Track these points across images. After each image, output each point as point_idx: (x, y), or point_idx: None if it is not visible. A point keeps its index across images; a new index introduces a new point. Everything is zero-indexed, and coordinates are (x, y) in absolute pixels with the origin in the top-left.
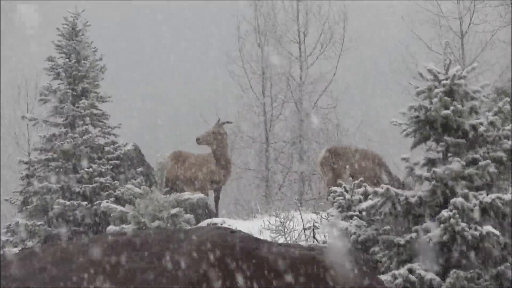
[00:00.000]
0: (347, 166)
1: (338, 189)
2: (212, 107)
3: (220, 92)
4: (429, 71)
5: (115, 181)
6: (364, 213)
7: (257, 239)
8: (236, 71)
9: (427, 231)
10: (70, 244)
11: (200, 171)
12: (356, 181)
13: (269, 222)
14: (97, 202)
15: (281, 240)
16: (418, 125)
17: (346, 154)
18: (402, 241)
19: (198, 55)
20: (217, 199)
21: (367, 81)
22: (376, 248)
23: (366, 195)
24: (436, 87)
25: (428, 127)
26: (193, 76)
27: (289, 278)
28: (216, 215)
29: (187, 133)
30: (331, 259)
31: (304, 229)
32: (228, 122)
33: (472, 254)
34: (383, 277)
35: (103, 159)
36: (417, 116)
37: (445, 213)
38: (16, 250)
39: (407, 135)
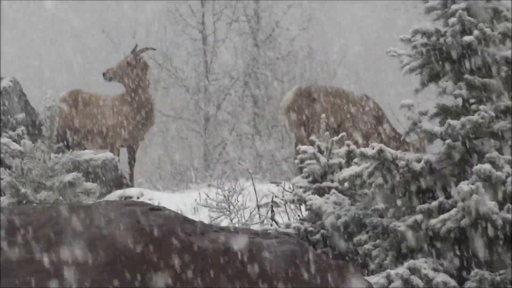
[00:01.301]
0: (323, 116)
1: (309, 149)
2: (129, 32)
3: (140, 11)
4: None
5: None
6: (346, 184)
7: (189, 221)
8: None
9: (438, 212)
10: None
11: (108, 119)
12: (336, 138)
13: (208, 196)
14: None
15: (225, 223)
16: (427, 57)
17: (325, 97)
18: (401, 227)
19: None
20: (132, 160)
21: None
22: (364, 236)
23: (349, 159)
24: (454, 1)
25: (442, 60)
26: None
27: (236, 282)
28: (131, 185)
29: (93, 68)
30: (299, 251)
31: (259, 206)
32: (149, 49)
33: (502, 247)
34: (373, 279)
35: None
36: (426, 44)
37: (465, 186)
38: None
39: (410, 71)
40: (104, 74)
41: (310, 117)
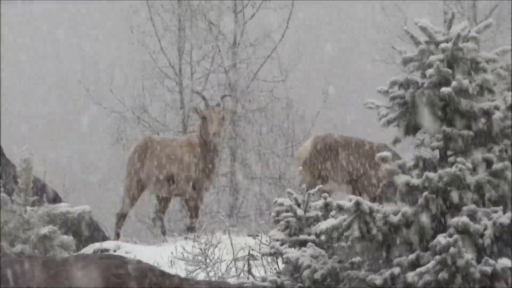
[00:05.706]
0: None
1: (286, 201)
2: (106, 82)
3: (118, 61)
4: (422, 29)
5: None
6: (323, 237)
7: (166, 275)
8: (142, 26)
9: (415, 265)
10: None
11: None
12: (313, 190)
13: (185, 249)
14: None
15: (201, 276)
16: (404, 108)
17: (346, 148)
18: (378, 280)
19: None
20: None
21: (333, 44)
22: None
23: (327, 211)
24: (432, 53)
25: (419, 112)
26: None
27: None
28: (108, 238)
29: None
30: None
31: (236, 260)
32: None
33: None
34: None
35: None
36: (403, 96)
37: (442, 239)
38: None
39: (388, 123)
40: (214, 135)
41: (330, 169)
